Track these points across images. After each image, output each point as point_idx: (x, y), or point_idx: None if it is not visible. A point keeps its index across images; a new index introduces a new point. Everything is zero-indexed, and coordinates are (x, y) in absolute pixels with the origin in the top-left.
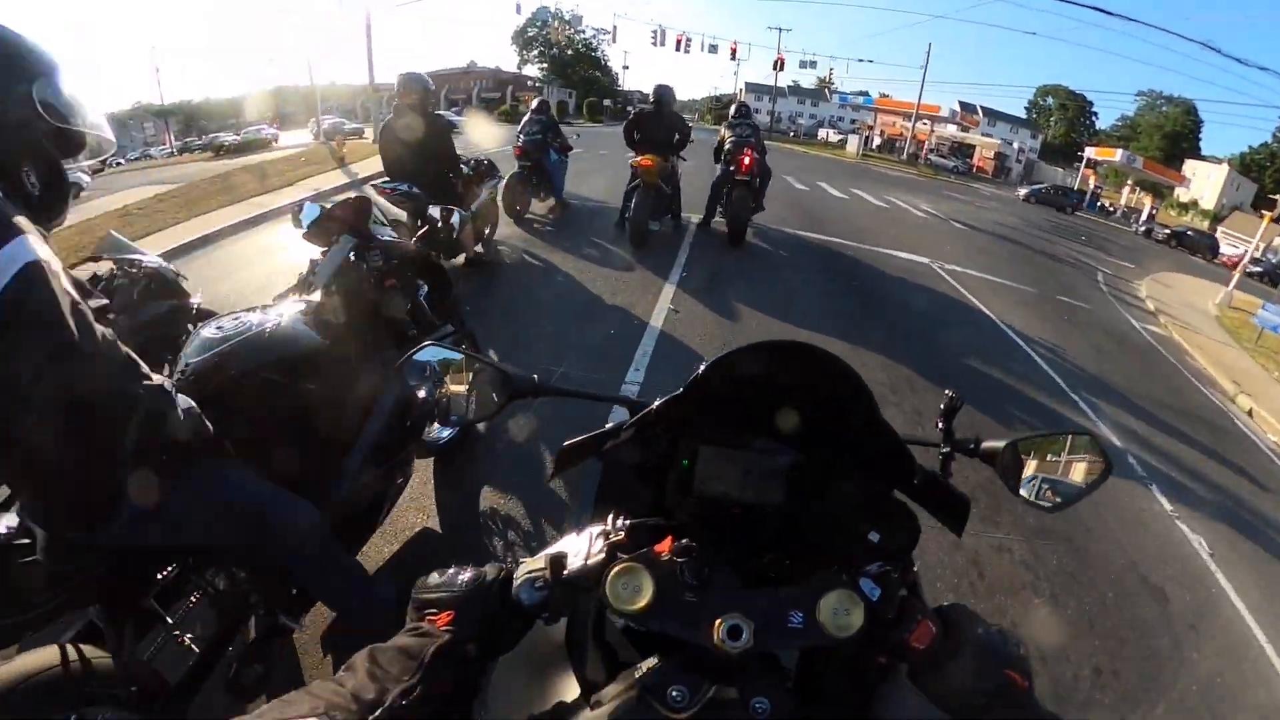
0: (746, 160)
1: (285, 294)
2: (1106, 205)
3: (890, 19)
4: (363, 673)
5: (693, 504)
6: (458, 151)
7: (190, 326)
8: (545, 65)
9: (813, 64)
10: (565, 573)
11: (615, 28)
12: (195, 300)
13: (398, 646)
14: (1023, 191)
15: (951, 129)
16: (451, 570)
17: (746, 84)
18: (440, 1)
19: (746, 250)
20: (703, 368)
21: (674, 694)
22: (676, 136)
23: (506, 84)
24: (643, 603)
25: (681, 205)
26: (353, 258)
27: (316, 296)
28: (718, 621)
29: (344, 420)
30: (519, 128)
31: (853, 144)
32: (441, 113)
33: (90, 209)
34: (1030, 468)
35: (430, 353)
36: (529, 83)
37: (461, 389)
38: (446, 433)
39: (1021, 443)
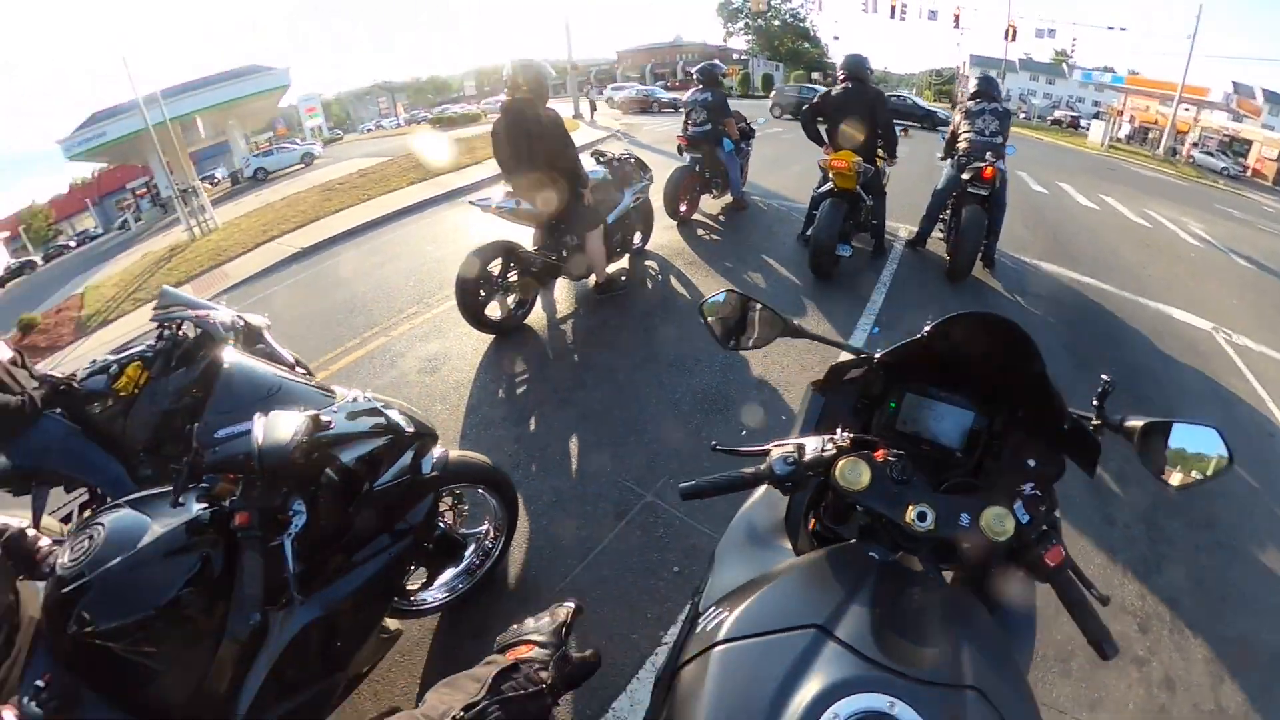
0: (988, 169)
1: None
2: None
3: None
4: (431, 698)
5: (893, 437)
6: (599, 146)
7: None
8: (751, 37)
9: (1051, 32)
10: (805, 457)
11: None
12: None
13: (469, 674)
14: None
15: (1221, 118)
16: (529, 620)
17: (971, 56)
18: None
19: (969, 291)
20: (927, 328)
21: (871, 553)
22: (879, 127)
23: (713, 57)
24: (862, 484)
25: (885, 219)
26: None
27: None
28: (910, 506)
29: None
30: (683, 105)
31: (1096, 131)
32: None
33: (309, 179)
34: (1162, 449)
35: (720, 296)
36: (734, 55)
37: (724, 320)
38: (440, 593)
39: (1157, 424)
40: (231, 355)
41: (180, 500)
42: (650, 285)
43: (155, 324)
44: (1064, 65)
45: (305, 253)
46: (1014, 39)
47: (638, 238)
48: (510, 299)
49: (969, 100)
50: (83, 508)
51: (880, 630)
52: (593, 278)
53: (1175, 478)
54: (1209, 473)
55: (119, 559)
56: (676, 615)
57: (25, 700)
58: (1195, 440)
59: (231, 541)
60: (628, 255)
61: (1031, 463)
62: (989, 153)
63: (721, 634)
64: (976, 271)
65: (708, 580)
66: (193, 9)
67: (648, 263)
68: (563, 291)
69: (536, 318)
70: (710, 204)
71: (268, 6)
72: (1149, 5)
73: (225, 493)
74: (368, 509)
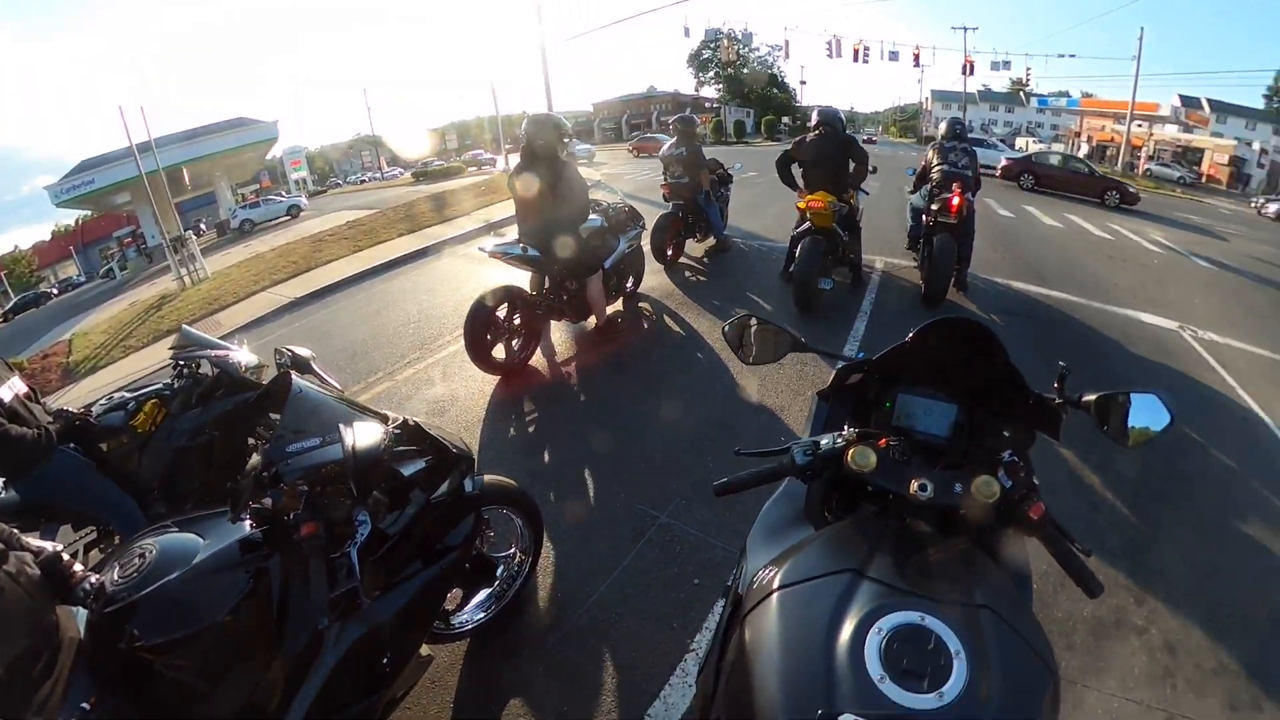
0: (955, 200)
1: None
2: None
3: (1094, 4)
4: None
5: (892, 432)
6: (592, 196)
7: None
8: (721, 86)
9: (1006, 64)
10: (820, 449)
11: (787, 43)
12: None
13: None
14: (1274, 207)
15: (1172, 130)
16: None
17: (933, 91)
18: (614, 31)
19: (945, 313)
20: (911, 334)
21: (888, 520)
22: (853, 165)
23: (685, 106)
24: (870, 466)
25: (862, 252)
26: None
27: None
28: (913, 480)
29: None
30: (662, 155)
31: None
32: (573, 153)
33: (297, 231)
34: (1114, 417)
35: (738, 319)
36: (706, 104)
37: (743, 339)
38: (475, 615)
39: (1108, 396)
40: (299, 379)
41: (242, 516)
42: (646, 325)
43: (173, 363)
44: (1021, 94)
45: (299, 302)
46: (972, 73)
47: (630, 282)
48: (515, 341)
49: (943, 139)
50: (88, 547)
51: (904, 569)
52: (592, 320)
53: (1129, 439)
54: (1156, 430)
55: (173, 575)
56: (701, 623)
57: None
58: (1143, 406)
59: (287, 557)
60: (622, 298)
61: (1006, 433)
62: (955, 182)
63: (777, 583)
64: (951, 295)
65: (743, 567)
66: (180, 62)
67: (641, 304)
68: (562, 334)
69: (539, 360)
70: (695, 247)
71: (256, 60)
72: (1096, 32)
73: (289, 507)
74: (424, 522)
